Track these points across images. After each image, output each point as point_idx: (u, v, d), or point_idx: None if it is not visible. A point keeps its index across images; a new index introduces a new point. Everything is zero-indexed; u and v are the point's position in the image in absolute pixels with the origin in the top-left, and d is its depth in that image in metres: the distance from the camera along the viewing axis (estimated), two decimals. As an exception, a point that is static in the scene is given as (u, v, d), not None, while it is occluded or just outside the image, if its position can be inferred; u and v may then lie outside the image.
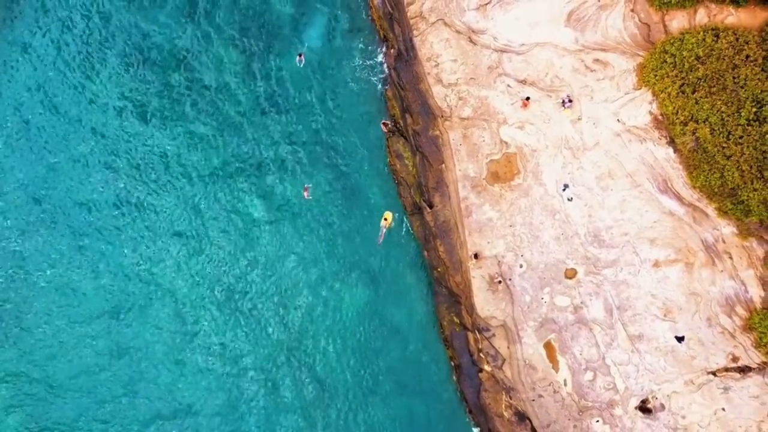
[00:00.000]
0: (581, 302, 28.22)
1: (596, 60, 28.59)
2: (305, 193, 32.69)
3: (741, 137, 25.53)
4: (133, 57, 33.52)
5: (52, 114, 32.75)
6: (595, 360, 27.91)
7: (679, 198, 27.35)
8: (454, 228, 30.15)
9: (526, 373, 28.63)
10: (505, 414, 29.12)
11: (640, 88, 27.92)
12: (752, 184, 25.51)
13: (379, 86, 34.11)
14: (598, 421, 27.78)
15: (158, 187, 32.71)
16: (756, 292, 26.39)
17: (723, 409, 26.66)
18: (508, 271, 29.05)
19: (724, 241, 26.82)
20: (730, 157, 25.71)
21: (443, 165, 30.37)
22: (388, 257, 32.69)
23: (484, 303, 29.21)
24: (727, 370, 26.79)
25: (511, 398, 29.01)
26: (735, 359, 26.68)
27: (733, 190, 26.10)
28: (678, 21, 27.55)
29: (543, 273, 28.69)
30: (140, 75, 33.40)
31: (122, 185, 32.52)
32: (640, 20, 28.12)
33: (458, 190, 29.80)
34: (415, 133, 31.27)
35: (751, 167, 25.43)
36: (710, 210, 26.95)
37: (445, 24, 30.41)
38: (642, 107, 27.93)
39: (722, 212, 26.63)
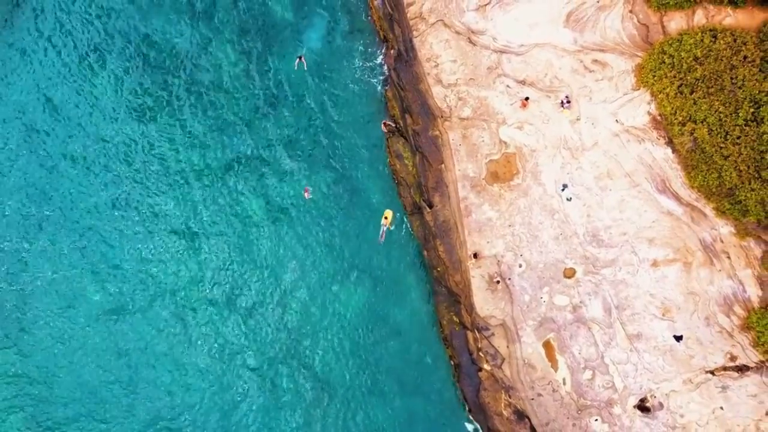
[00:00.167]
0: (580, 301, 28.33)
1: (595, 61, 28.72)
2: (306, 194, 32.76)
3: (739, 137, 25.66)
4: (134, 60, 33.60)
5: (52, 116, 32.80)
6: (593, 359, 28.02)
7: (677, 198, 27.47)
8: (453, 228, 30.26)
9: (525, 372, 28.73)
10: (505, 413, 29.22)
11: (638, 89, 28.05)
12: (750, 184, 25.62)
13: (379, 87, 34.22)
14: (596, 419, 27.88)
15: (158, 188, 32.76)
16: (754, 292, 26.51)
17: (721, 408, 26.75)
18: (508, 270, 29.16)
19: (722, 241, 26.94)
20: (728, 157, 25.84)
21: (443, 165, 30.48)
22: (388, 257, 32.78)
23: (484, 302, 29.31)
24: (725, 369, 26.89)
25: (510, 397, 29.10)
26: (733, 358, 26.79)
27: (730, 190, 26.22)
28: (676, 22, 27.68)
29: (542, 272, 28.80)
30: (140, 77, 33.48)
31: (122, 187, 32.55)
32: (638, 21, 28.26)
33: (458, 190, 29.90)
34: (415, 133, 31.38)
35: (748, 167, 25.55)
36: (708, 210, 27.07)
37: (445, 25, 30.53)
38: (640, 108, 28.06)
39: (720, 212, 26.75)
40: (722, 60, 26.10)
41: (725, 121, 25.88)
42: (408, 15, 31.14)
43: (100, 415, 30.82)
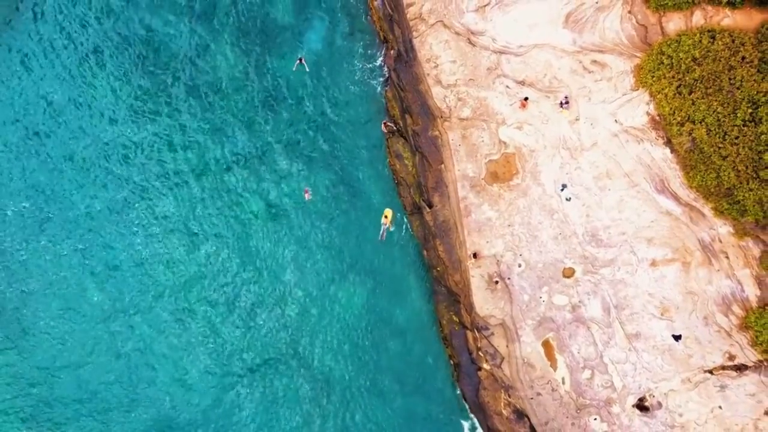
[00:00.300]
0: (579, 301, 28.41)
1: (594, 61, 28.82)
2: (306, 195, 32.80)
3: (737, 138, 25.75)
4: (134, 62, 33.60)
5: (52, 118, 32.79)
6: (592, 358, 28.09)
7: (676, 198, 27.57)
8: (453, 227, 30.33)
9: (524, 371, 28.80)
10: (504, 412, 29.28)
11: (637, 89, 28.15)
12: (748, 184, 25.71)
13: (379, 88, 34.30)
14: (596, 418, 27.95)
15: (158, 190, 32.76)
16: (752, 291, 26.60)
17: (720, 407, 26.83)
18: (507, 270, 29.23)
19: (720, 241, 27.03)
20: (726, 157, 25.92)
21: (442, 165, 30.55)
22: (388, 257, 32.84)
23: (483, 302, 29.38)
24: (723, 368, 26.96)
25: (509, 396, 29.17)
26: (731, 358, 26.87)
27: (729, 190, 26.30)
28: (675, 23, 27.78)
29: (541, 272, 28.87)
30: (140, 79, 33.48)
31: (122, 189, 32.56)
32: (637, 22, 28.36)
33: (457, 190, 29.98)
34: (415, 133, 31.46)
35: (746, 167, 25.64)
36: (707, 210, 27.16)
37: (445, 25, 30.62)
38: (639, 108, 28.16)
39: (718, 212, 26.84)
40: (720, 61, 26.19)
41: (723, 121, 25.98)
42: (408, 16, 31.23)
43: (100, 416, 30.84)
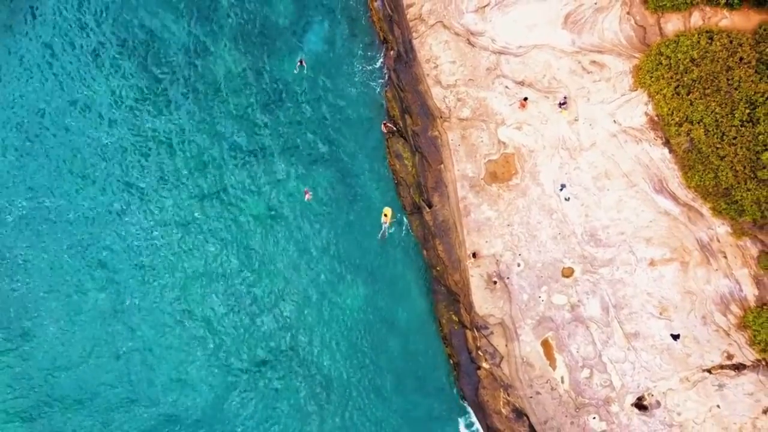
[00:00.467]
0: (578, 300, 28.50)
1: (593, 62, 28.93)
2: (306, 196, 32.87)
3: (735, 138, 25.85)
4: (133, 64, 33.64)
5: (52, 120, 32.83)
6: (591, 357, 28.18)
7: (674, 198, 27.67)
8: (452, 227, 30.41)
9: (523, 370, 28.87)
10: (503, 411, 29.36)
11: (635, 90, 28.26)
12: (746, 184, 25.80)
13: (379, 89, 34.37)
14: (594, 417, 28.04)
15: (157, 191, 32.76)
16: (750, 291, 26.70)
17: (718, 406, 26.91)
18: (506, 269, 29.32)
19: (718, 241, 27.13)
20: (724, 157, 26.03)
21: (442, 165, 30.64)
22: (388, 256, 32.90)
23: (483, 301, 29.46)
24: (721, 367, 27.04)
25: (508, 395, 29.25)
26: (730, 357, 26.96)
27: (727, 190, 26.41)
28: (673, 23, 27.90)
29: (540, 272, 28.97)
30: (139, 81, 33.52)
31: (122, 190, 32.59)
32: (635, 23, 28.47)
33: (457, 190, 30.06)
34: (415, 133, 31.54)
35: (744, 167, 25.74)
36: (705, 210, 27.26)
37: (444, 26, 30.71)
38: (638, 108, 28.27)
39: (716, 212, 26.94)
40: (718, 61, 26.29)
41: (721, 121, 26.08)
42: (407, 16, 31.32)
43: (100, 416, 30.86)
